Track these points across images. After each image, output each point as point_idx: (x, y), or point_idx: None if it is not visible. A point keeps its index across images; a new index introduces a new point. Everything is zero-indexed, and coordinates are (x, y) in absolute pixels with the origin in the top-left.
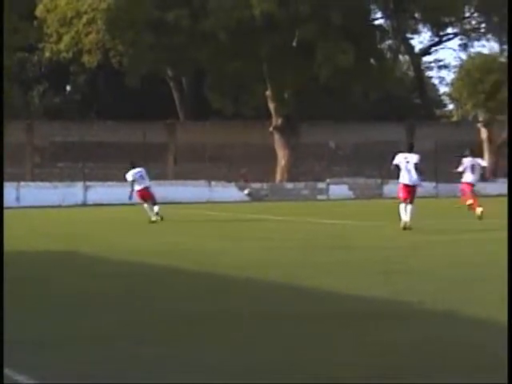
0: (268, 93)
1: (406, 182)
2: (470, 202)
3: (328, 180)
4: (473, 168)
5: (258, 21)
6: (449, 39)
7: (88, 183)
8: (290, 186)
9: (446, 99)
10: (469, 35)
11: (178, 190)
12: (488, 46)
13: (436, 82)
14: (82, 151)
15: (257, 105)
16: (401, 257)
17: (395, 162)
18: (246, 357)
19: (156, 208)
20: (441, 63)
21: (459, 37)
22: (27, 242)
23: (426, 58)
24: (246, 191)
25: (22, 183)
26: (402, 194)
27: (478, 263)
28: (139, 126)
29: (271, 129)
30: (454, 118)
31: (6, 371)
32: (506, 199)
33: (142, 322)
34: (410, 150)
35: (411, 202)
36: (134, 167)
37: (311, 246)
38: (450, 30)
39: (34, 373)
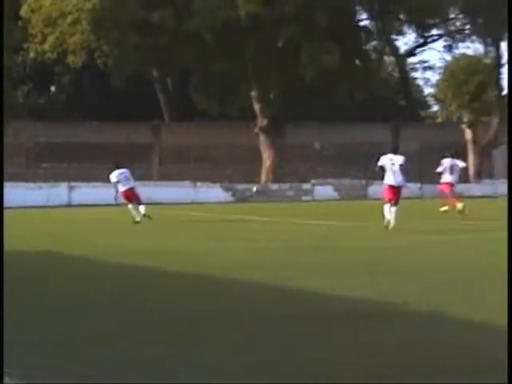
0: (253, 93)
1: (392, 183)
2: (444, 208)
3: (313, 181)
4: (452, 169)
5: (244, 21)
6: (434, 40)
7: (73, 184)
8: (275, 186)
9: (431, 100)
10: (453, 36)
11: (163, 190)
12: (472, 48)
13: (421, 83)
14: (66, 152)
15: (242, 105)
16: (386, 257)
17: (380, 163)
18: (240, 357)
19: (142, 208)
20: (426, 64)
21: (444, 38)
22: (13, 242)
23: (410, 60)
24: (254, 189)
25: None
26: (386, 195)
27: (463, 264)
28: (124, 127)
29: (256, 130)
30: (439, 120)
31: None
32: (490, 200)
33: (139, 323)
34: (395, 152)
35: (396, 204)
36: (118, 168)
37: (296, 246)
38: (434, 32)
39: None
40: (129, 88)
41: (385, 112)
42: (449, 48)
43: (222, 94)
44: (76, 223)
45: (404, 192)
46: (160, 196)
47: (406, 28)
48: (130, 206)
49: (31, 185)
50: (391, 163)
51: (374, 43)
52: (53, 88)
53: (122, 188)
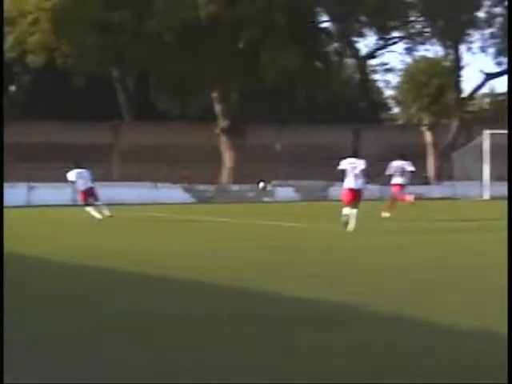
0: (214, 94)
1: (352, 186)
2: (386, 214)
3: (274, 182)
4: (401, 171)
5: (204, 22)
6: (394, 43)
7: (32, 184)
8: (235, 187)
9: (392, 102)
10: (414, 39)
11: (124, 191)
12: (432, 50)
13: (381, 85)
14: (26, 152)
15: (203, 106)
16: (347, 259)
17: (341, 167)
18: (201, 359)
19: (100, 205)
20: (386, 67)
21: (404, 40)
22: None
23: (371, 62)
24: (261, 185)
25: None
26: (346, 198)
27: (422, 266)
28: (84, 127)
29: (217, 130)
30: (400, 122)
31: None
32: (449, 202)
33: (97, 325)
34: (355, 154)
35: (356, 206)
36: (78, 167)
37: (257, 247)
38: (395, 34)
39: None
40: (89, 88)
41: (345, 114)
42: (409, 50)
43: (183, 94)
44: (35, 224)
45: (364, 194)
46: (120, 196)
47: (366, 30)
48: (87, 208)
49: None
50: (352, 167)
51: (334, 45)
52: (12, 88)
53: (80, 188)
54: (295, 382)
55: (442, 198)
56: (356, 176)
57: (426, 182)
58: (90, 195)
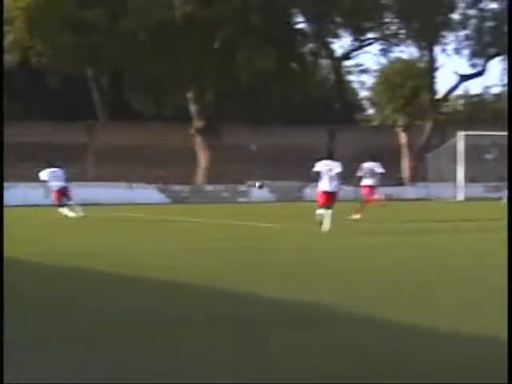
0: (189, 94)
1: (326, 189)
2: (356, 217)
3: (249, 182)
4: (371, 172)
5: (179, 22)
6: (369, 44)
7: (6, 183)
8: (210, 188)
9: (367, 103)
10: (388, 40)
11: (98, 191)
12: (407, 52)
13: (356, 86)
14: None
15: (178, 106)
16: (321, 259)
17: (317, 169)
18: (176, 359)
19: (73, 204)
20: (361, 68)
21: (379, 42)
22: None
23: (346, 63)
24: (257, 184)
25: None
26: (321, 200)
27: (396, 266)
28: (59, 127)
29: (192, 131)
30: (374, 123)
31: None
32: (423, 203)
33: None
34: (330, 155)
35: (330, 207)
36: (51, 166)
37: (232, 248)
38: (370, 35)
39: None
40: (63, 87)
41: (321, 115)
42: (384, 52)
43: (158, 94)
44: (7, 224)
45: (339, 195)
46: (95, 196)
47: (341, 31)
48: (60, 209)
49: None
50: (327, 169)
51: (309, 46)
52: None
53: (53, 188)
54: (270, 382)
55: (416, 199)
56: (331, 178)
57: (401, 183)
58: (63, 195)
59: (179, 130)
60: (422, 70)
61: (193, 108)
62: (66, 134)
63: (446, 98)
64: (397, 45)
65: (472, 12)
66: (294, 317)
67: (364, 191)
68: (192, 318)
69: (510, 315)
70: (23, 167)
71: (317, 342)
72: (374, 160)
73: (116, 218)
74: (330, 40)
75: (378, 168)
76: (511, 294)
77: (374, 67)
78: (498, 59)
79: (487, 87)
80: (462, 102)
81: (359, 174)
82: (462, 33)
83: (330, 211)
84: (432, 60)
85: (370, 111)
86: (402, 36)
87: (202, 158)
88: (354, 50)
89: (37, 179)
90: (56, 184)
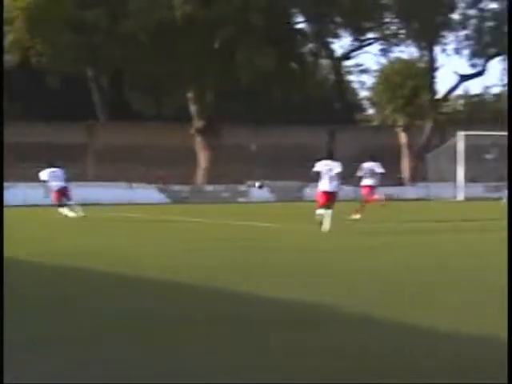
0: (189, 95)
1: (326, 189)
2: (356, 217)
3: (249, 182)
4: (371, 172)
5: (179, 22)
6: (369, 44)
7: (6, 183)
8: (210, 188)
9: (367, 103)
10: (388, 40)
11: (99, 191)
12: (407, 52)
13: (356, 86)
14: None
15: (178, 106)
16: (321, 259)
17: (317, 169)
18: (176, 359)
19: (73, 204)
20: (361, 68)
21: (379, 42)
22: None
23: (346, 63)
24: (257, 184)
25: None
26: (321, 200)
27: (395, 266)
28: (59, 127)
29: (192, 131)
30: (374, 123)
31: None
32: (423, 203)
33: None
34: (330, 157)
35: (330, 207)
36: (51, 166)
37: (232, 248)
38: (370, 35)
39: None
40: (63, 87)
41: (321, 115)
42: (384, 52)
43: (158, 94)
44: (7, 224)
45: (339, 195)
46: (95, 196)
47: (341, 31)
48: (60, 209)
49: None
50: (328, 169)
51: (309, 46)
52: None
53: (53, 188)
54: (270, 382)
55: (416, 199)
56: (331, 178)
57: (401, 183)
58: (63, 195)
59: (179, 130)
60: (421, 70)
61: (193, 108)
62: (66, 134)
63: (446, 97)
64: (397, 45)
65: (472, 12)
66: (294, 317)
67: (364, 191)
68: (192, 317)
69: (510, 315)
70: (23, 167)
71: (317, 341)
72: (373, 160)
73: (116, 218)
74: (330, 40)
75: (378, 168)
76: (511, 293)
77: (374, 67)
78: (497, 59)
79: (487, 87)
80: (461, 102)
81: (359, 173)
82: (462, 33)
83: (330, 211)
84: (432, 60)
85: (370, 111)
86: (401, 36)
87: (202, 158)
88: (353, 50)
89: (37, 179)
90: (56, 184)
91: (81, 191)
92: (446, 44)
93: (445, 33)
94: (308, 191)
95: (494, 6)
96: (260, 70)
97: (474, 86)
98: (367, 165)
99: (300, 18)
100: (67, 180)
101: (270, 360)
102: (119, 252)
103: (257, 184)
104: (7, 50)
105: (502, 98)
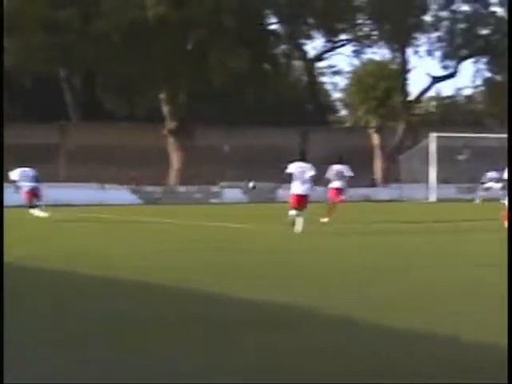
0: (162, 95)
1: (299, 192)
2: (324, 220)
3: (221, 183)
4: (340, 175)
5: (152, 22)
6: (342, 45)
7: None
8: (182, 189)
9: (339, 105)
10: (361, 42)
11: (70, 192)
12: (380, 53)
13: (329, 87)
14: None
15: (150, 107)
16: (293, 261)
17: (289, 170)
18: (147, 361)
19: (42, 204)
20: (334, 69)
21: (352, 43)
22: None
23: (319, 64)
24: (250, 184)
25: None
26: (293, 203)
27: (367, 267)
28: (30, 127)
29: (165, 132)
30: (347, 124)
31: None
32: (396, 204)
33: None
34: (303, 158)
35: (302, 209)
36: (22, 166)
37: (204, 249)
38: (343, 37)
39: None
40: (35, 87)
41: (293, 116)
42: (357, 53)
43: (130, 94)
44: None
45: (312, 196)
46: (67, 197)
47: (314, 32)
48: (31, 210)
49: None
50: (300, 171)
51: (282, 47)
52: None
53: (24, 188)
54: (243, 382)
55: (388, 200)
56: (303, 181)
57: (373, 185)
58: (34, 195)
59: (152, 130)
60: (394, 72)
61: (165, 109)
62: (38, 134)
63: (418, 99)
64: (369, 46)
65: (444, 14)
66: (267, 318)
67: (331, 193)
68: (164, 319)
69: (511, 315)
70: None
71: (289, 343)
72: (341, 162)
73: (88, 219)
74: (303, 41)
75: (346, 171)
76: (511, 293)
77: (347, 69)
78: (469, 61)
79: (459, 89)
80: (434, 103)
81: (328, 176)
82: (434, 35)
83: (302, 213)
84: (404, 62)
85: (343, 112)
86: (374, 37)
87: (175, 158)
88: (326, 52)
89: (6, 180)
90: (27, 184)
91: (52, 192)
92: (418, 46)
93: (417, 34)
94: (281, 192)
95: (465, 8)
96: (233, 71)
97: (446, 88)
98: (336, 167)
99: (273, 20)
100: (39, 180)
101: (243, 361)
102: (91, 253)
103: (250, 184)
104: None
105: (473, 99)
